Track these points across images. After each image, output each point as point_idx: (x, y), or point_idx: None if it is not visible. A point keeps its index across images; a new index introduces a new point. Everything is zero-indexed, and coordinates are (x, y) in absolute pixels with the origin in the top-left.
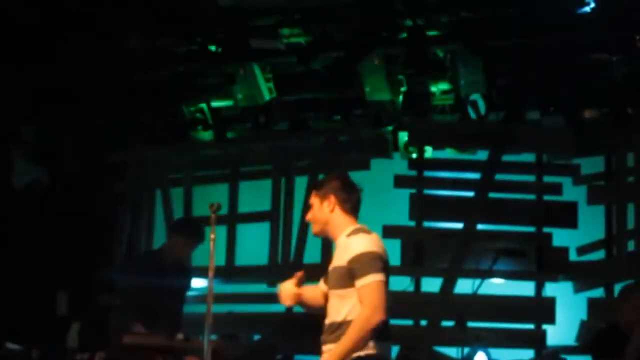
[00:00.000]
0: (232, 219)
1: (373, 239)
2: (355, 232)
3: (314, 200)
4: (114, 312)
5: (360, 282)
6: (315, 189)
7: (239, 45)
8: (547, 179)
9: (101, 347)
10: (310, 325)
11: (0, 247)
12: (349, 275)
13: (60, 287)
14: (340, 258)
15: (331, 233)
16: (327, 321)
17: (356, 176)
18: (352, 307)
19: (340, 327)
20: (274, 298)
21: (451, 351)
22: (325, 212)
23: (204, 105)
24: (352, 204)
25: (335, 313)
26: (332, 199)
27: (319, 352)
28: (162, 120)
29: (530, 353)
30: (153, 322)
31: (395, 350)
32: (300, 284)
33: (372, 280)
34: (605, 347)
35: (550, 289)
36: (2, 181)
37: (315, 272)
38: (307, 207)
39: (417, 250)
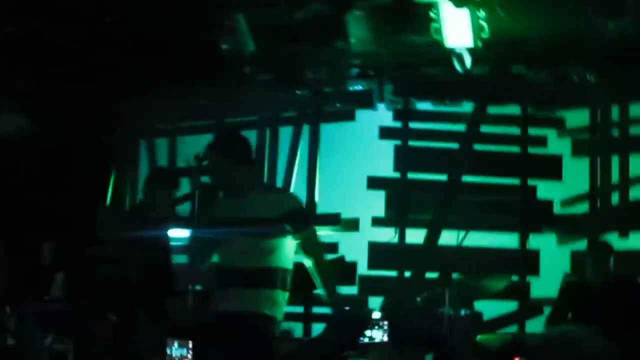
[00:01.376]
0: None
1: None
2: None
3: (215, 155)
4: (101, 264)
5: None
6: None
7: None
8: (532, 131)
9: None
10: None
11: None
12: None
13: (45, 238)
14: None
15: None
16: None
17: (341, 127)
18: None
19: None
20: None
21: None
22: (224, 167)
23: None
24: None
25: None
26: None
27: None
28: (149, 70)
29: (514, 305)
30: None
31: (380, 300)
32: None
33: None
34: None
35: (535, 242)
36: None
37: None
38: (292, 159)
39: (402, 201)
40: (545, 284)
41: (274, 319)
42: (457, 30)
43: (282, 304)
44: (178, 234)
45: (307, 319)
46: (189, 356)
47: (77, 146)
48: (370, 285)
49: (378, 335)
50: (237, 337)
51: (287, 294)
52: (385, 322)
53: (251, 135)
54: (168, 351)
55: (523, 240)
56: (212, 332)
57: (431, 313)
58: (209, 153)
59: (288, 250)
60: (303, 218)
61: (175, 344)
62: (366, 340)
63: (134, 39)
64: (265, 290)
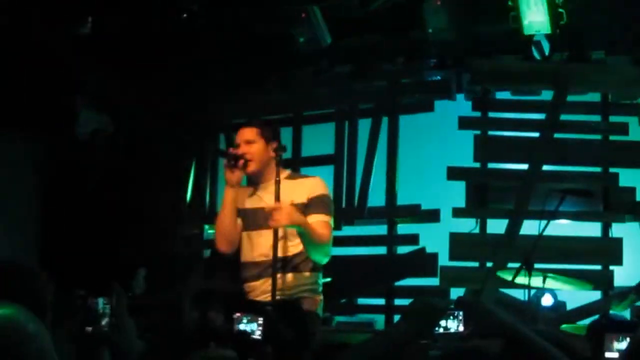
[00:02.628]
0: (296, 163)
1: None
2: (298, 176)
3: (259, 139)
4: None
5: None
6: (259, 128)
7: None
8: (613, 119)
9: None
10: (374, 269)
11: (67, 196)
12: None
13: (125, 235)
14: (290, 197)
15: (259, 177)
16: (264, 258)
17: (420, 118)
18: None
19: (292, 260)
20: (338, 242)
21: (517, 293)
22: (268, 155)
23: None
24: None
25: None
26: (275, 145)
27: (381, 295)
28: (225, 67)
29: (597, 294)
30: None
31: (462, 292)
32: None
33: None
34: None
35: (617, 230)
36: (66, 131)
37: (380, 215)
38: (371, 151)
39: (482, 192)
40: (629, 273)
41: (320, 299)
42: (534, 18)
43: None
44: None
45: (389, 311)
46: (258, 332)
47: (157, 144)
48: (451, 276)
49: (453, 325)
50: (292, 320)
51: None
52: (461, 312)
53: (329, 128)
54: (238, 326)
55: (606, 228)
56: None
57: (513, 303)
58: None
59: None
60: None
61: (245, 320)
62: (441, 330)
63: (208, 35)
64: (305, 273)
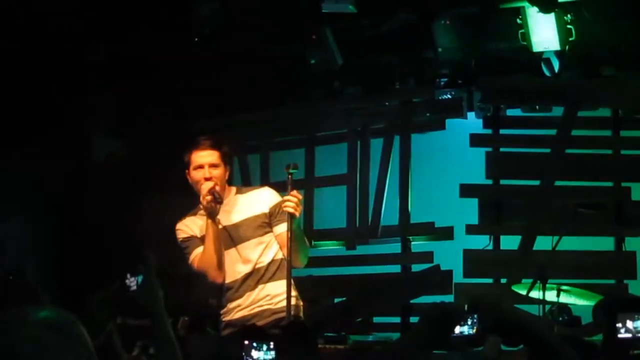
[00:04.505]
0: (310, 183)
1: None
2: (246, 189)
3: (221, 163)
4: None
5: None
6: (221, 151)
7: (311, 10)
8: (624, 133)
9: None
10: (389, 287)
11: (81, 218)
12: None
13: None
14: (249, 210)
15: (222, 198)
16: (246, 270)
17: (432, 136)
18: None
19: (270, 268)
20: (353, 261)
21: (532, 308)
22: (226, 177)
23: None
24: None
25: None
26: (229, 167)
27: (397, 313)
28: (236, 89)
29: None
30: None
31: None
32: None
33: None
34: None
35: (630, 244)
36: (81, 154)
37: (394, 233)
38: (384, 170)
39: (495, 208)
40: None
41: (301, 304)
42: (544, 34)
43: None
44: None
45: (404, 328)
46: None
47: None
48: (466, 293)
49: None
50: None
51: None
52: (475, 316)
53: (342, 148)
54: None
55: (619, 242)
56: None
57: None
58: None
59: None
60: None
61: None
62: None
63: (220, 58)
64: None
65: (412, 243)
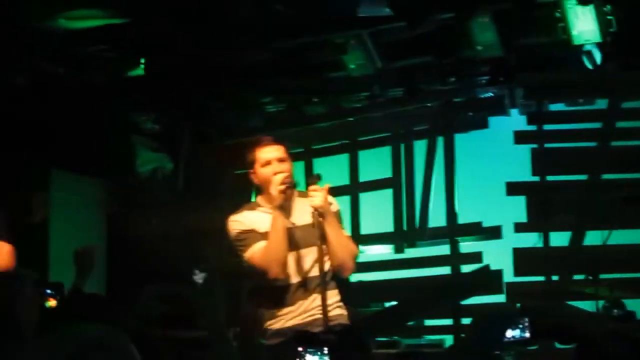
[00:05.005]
0: (355, 189)
1: None
2: (305, 193)
3: (288, 158)
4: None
5: None
6: (285, 147)
7: (348, 15)
8: None
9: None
10: (439, 289)
11: (130, 234)
12: None
13: (192, 269)
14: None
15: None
16: (300, 277)
17: (475, 135)
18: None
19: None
20: (402, 265)
21: (585, 304)
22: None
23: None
24: None
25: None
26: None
27: (449, 316)
28: (277, 98)
29: None
30: None
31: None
32: None
33: None
34: None
35: None
36: (126, 171)
37: (442, 235)
38: (429, 172)
39: (543, 205)
40: None
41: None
42: (583, 27)
43: None
44: None
45: (456, 330)
46: None
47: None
48: (518, 292)
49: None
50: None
51: None
52: (526, 320)
53: (385, 152)
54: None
55: None
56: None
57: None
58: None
59: None
60: None
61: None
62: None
63: (261, 67)
64: (335, 289)
65: (461, 244)
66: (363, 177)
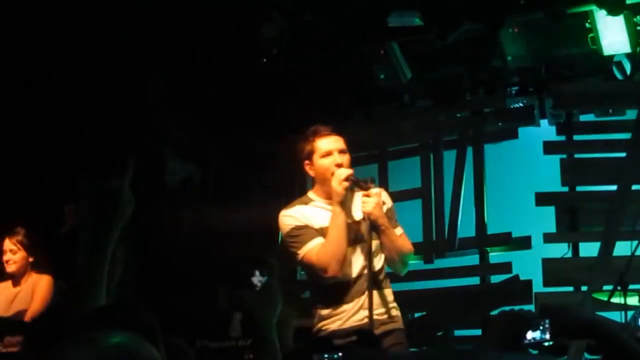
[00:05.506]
0: None
1: None
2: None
3: (347, 150)
4: None
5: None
6: (344, 138)
7: (377, 25)
8: None
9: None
10: (468, 299)
11: (160, 242)
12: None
13: (219, 282)
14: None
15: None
16: (358, 273)
17: (505, 146)
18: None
19: (379, 275)
20: (431, 275)
21: (614, 315)
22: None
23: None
24: None
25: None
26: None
27: (477, 326)
28: (306, 107)
29: None
30: None
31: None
32: None
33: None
34: None
35: None
36: (156, 181)
37: (471, 245)
38: (458, 182)
39: (572, 215)
40: None
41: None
42: (614, 37)
43: None
44: None
45: None
46: None
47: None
48: (547, 302)
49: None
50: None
51: None
52: (547, 321)
53: (414, 162)
54: None
55: None
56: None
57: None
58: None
59: None
60: None
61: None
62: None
63: (290, 77)
64: (390, 289)
65: (490, 254)
66: (392, 188)
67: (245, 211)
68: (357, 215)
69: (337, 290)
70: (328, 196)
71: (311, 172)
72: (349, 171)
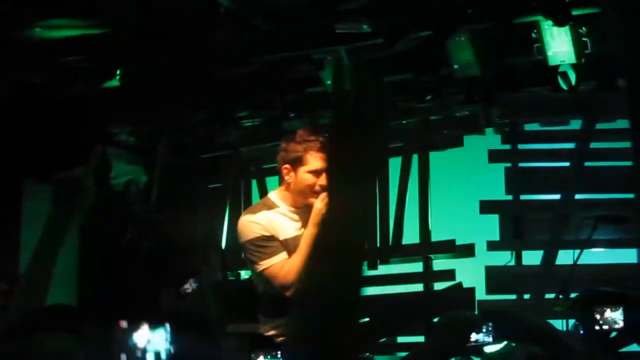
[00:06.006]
0: None
1: None
2: None
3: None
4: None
5: None
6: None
7: (326, 31)
8: None
9: None
10: (411, 306)
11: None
12: None
13: (162, 284)
14: None
15: None
16: None
17: (450, 154)
18: None
19: None
20: (375, 281)
21: (556, 323)
22: None
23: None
24: None
25: None
26: None
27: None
28: (255, 113)
29: None
30: None
31: None
32: None
33: None
34: None
35: None
36: (101, 183)
37: (415, 252)
38: (403, 189)
39: (516, 224)
40: None
41: None
42: (559, 48)
43: None
44: None
45: None
46: None
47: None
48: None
49: (484, 337)
50: None
51: None
52: (490, 324)
53: None
54: None
55: None
56: None
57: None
58: None
59: None
60: None
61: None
62: (473, 344)
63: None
64: None
65: (434, 261)
66: None
67: (189, 215)
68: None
69: (289, 301)
70: (294, 204)
71: (287, 177)
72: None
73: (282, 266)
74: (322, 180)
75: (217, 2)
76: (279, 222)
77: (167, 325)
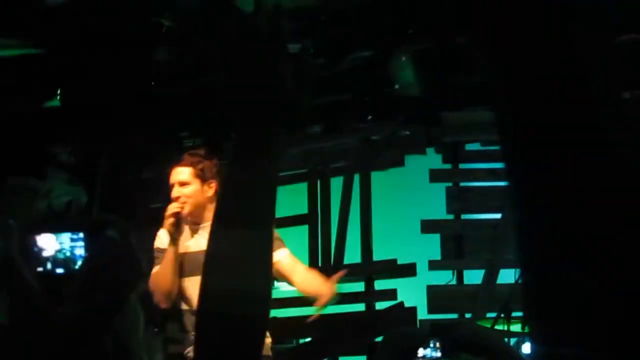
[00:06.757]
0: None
1: None
2: None
3: (194, 180)
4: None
5: None
6: (194, 168)
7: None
8: None
9: None
10: (353, 326)
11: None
12: None
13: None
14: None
15: (199, 219)
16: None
17: (392, 173)
18: None
19: None
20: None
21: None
22: (205, 196)
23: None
24: None
25: None
26: (214, 184)
27: (362, 352)
28: (198, 132)
29: None
30: None
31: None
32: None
33: None
34: None
35: None
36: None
37: (357, 272)
38: (345, 209)
39: (457, 243)
40: None
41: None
42: None
43: None
44: None
45: None
46: None
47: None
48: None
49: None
50: None
51: None
52: (437, 339)
53: (302, 188)
54: None
55: None
56: None
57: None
58: None
59: None
60: None
61: None
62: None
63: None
64: None
65: (376, 281)
66: (279, 213)
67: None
68: (197, 245)
69: (186, 318)
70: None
71: None
72: (175, 207)
73: (151, 279)
74: (174, 192)
75: (158, 22)
76: (167, 236)
77: None
